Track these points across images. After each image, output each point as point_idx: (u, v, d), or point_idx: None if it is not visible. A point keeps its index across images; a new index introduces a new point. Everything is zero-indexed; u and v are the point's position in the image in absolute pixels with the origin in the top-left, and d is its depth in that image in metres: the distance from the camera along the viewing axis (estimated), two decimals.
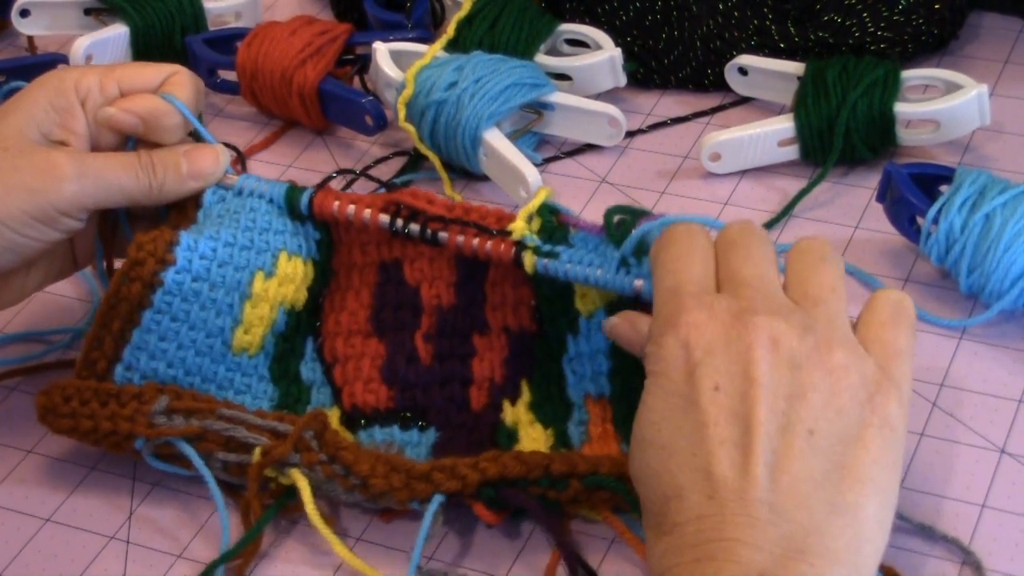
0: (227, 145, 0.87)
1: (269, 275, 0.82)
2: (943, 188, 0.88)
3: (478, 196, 1.00)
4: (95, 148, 0.83)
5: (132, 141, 0.85)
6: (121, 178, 0.81)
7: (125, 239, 0.86)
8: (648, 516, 0.66)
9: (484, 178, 1.01)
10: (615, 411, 0.79)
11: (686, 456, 0.64)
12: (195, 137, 0.85)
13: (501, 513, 0.75)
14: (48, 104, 0.82)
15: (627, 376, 0.79)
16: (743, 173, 1.00)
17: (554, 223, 0.80)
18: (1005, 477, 0.78)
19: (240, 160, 1.04)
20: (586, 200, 1.00)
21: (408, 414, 0.82)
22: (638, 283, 0.76)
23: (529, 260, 0.78)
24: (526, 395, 0.82)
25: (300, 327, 0.85)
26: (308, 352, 0.85)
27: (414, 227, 0.81)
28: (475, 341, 0.83)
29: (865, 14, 1.05)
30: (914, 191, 0.88)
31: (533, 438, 0.80)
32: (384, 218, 0.82)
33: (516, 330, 0.82)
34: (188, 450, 0.78)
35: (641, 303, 0.76)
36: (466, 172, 1.01)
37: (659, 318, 0.69)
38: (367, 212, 0.82)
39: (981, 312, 0.86)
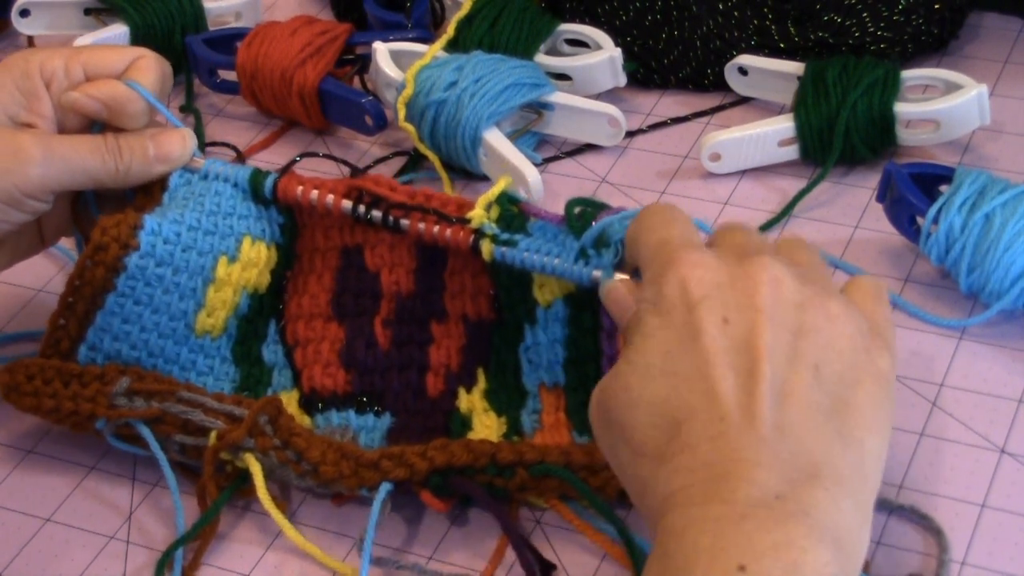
0: (226, 145, 0.87)
1: (232, 259, 0.83)
2: (943, 188, 0.88)
3: (478, 195, 1.00)
4: (61, 130, 0.84)
5: (98, 124, 0.85)
6: (87, 161, 0.81)
7: (93, 219, 0.86)
8: (646, 444, 0.64)
9: (484, 178, 1.01)
10: (568, 400, 0.80)
11: (695, 381, 0.64)
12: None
13: (448, 500, 0.76)
14: (13, 86, 0.82)
15: (582, 366, 0.79)
16: (743, 173, 1.00)
17: (513, 212, 0.80)
18: (1005, 477, 0.78)
19: (240, 159, 1.04)
20: None
21: (364, 399, 0.83)
22: (596, 273, 0.75)
23: (487, 248, 0.79)
24: (481, 383, 0.82)
25: (263, 310, 0.86)
26: (270, 334, 0.86)
27: (376, 213, 0.82)
28: (433, 328, 0.83)
29: (865, 14, 1.05)
30: (914, 191, 0.88)
31: (486, 425, 0.81)
32: (346, 204, 0.83)
33: (474, 318, 0.83)
34: (146, 432, 0.79)
35: (586, 335, 0.77)
36: (466, 172, 1.01)
37: (654, 264, 0.68)
38: (330, 198, 0.83)
39: (981, 312, 0.86)
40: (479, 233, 0.80)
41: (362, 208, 0.82)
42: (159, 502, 0.81)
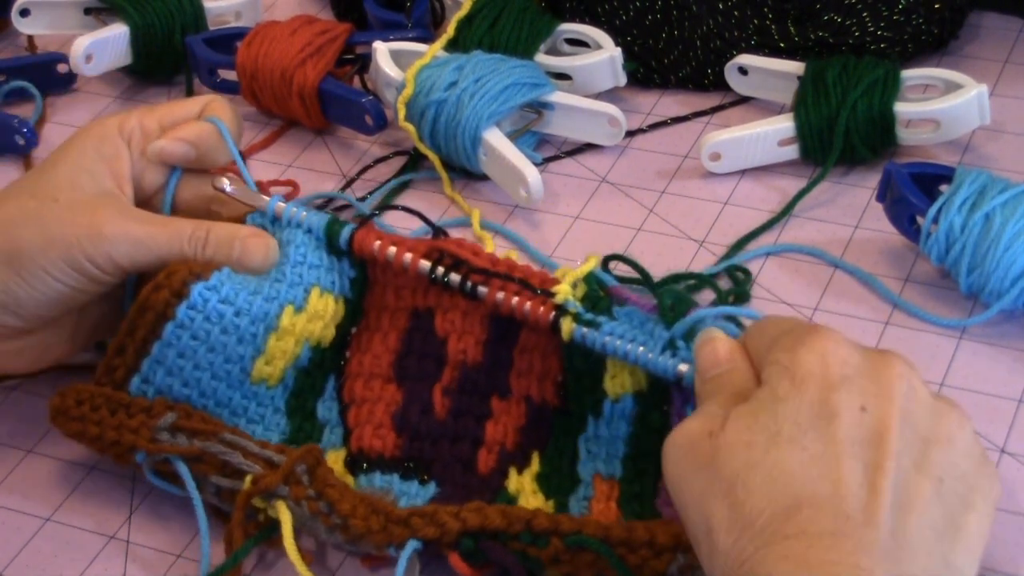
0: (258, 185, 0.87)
1: (299, 309, 0.81)
2: (943, 188, 0.88)
3: (478, 196, 1.00)
4: (139, 186, 0.84)
5: (173, 181, 0.85)
6: (163, 248, 0.81)
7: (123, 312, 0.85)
8: (756, 514, 0.62)
9: (484, 178, 1.01)
10: (623, 491, 0.77)
11: (825, 464, 0.62)
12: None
13: (480, 569, 0.73)
14: (95, 153, 0.83)
15: (641, 462, 0.76)
16: (743, 173, 1.00)
17: (599, 293, 0.77)
18: (1005, 477, 0.78)
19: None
20: (586, 200, 1.00)
21: (412, 464, 0.80)
22: (683, 367, 0.72)
23: (567, 326, 0.76)
24: (535, 466, 0.79)
25: (324, 364, 0.83)
26: (328, 390, 0.84)
27: (454, 276, 0.80)
28: (494, 403, 0.81)
29: (865, 14, 1.05)
30: (914, 191, 0.88)
31: (532, 506, 0.77)
32: (424, 264, 0.80)
33: (538, 401, 0.80)
34: (183, 469, 0.78)
35: (679, 390, 0.74)
36: (466, 172, 1.01)
37: (790, 336, 0.67)
38: (407, 256, 0.81)
39: (981, 312, 0.86)
40: (561, 310, 0.77)
41: (440, 270, 0.80)
42: (159, 502, 0.81)
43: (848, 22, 1.05)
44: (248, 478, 0.76)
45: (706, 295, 0.90)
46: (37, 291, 0.79)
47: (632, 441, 0.77)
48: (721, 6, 1.08)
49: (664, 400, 0.75)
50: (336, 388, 0.83)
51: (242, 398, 0.82)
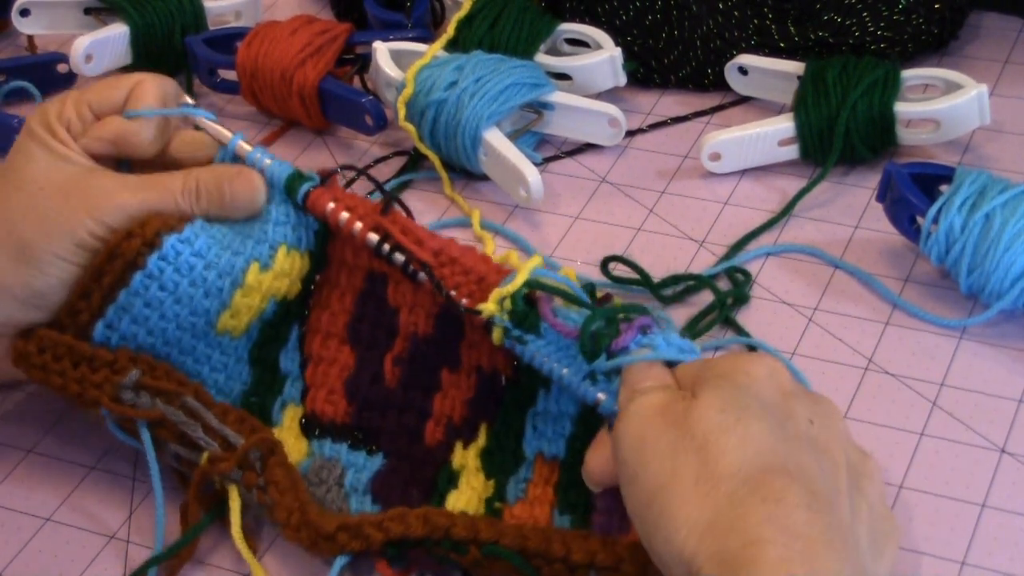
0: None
1: (265, 267, 0.82)
2: (943, 188, 0.88)
3: (478, 195, 1.00)
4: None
5: (125, 162, 0.85)
6: (159, 206, 0.81)
7: None
8: (730, 466, 0.65)
9: (484, 178, 1.01)
10: (562, 476, 0.78)
11: (790, 451, 0.66)
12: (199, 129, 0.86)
13: (406, 571, 0.74)
14: (53, 139, 0.83)
15: (584, 445, 0.76)
16: (743, 173, 1.00)
17: (524, 311, 0.77)
18: (1005, 477, 0.78)
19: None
20: (586, 200, 1.00)
21: (360, 434, 0.82)
22: (601, 396, 0.74)
23: (497, 335, 0.77)
24: (481, 440, 0.80)
25: (288, 315, 0.84)
26: (291, 340, 0.85)
27: (398, 257, 0.81)
28: (443, 376, 0.82)
29: (865, 14, 1.05)
30: (914, 191, 0.88)
31: (472, 486, 0.79)
32: (372, 237, 0.81)
33: (488, 371, 0.81)
34: (145, 436, 0.79)
35: (598, 415, 0.75)
36: (466, 172, 1.01)
37: (726, 358, 0.71)
38: (357, 226, 0.81)
39: (981, 312, 0.86)
40: (490, 321, 0.77)
41: (386, 247, 0.81)
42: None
43: (848, 22, 1.05)
44: (205, 455, 0.78)
45: (705, 296, 0.90)
46: (54, 278, 0.79)
47: (579, 422, 0.78)
48: (721, 6, 1.08)
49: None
50: (298, 338, 0.85)
51: (206, 347, 0.83)
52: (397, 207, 0.83)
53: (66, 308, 0.81)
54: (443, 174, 1.00)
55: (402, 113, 1.00)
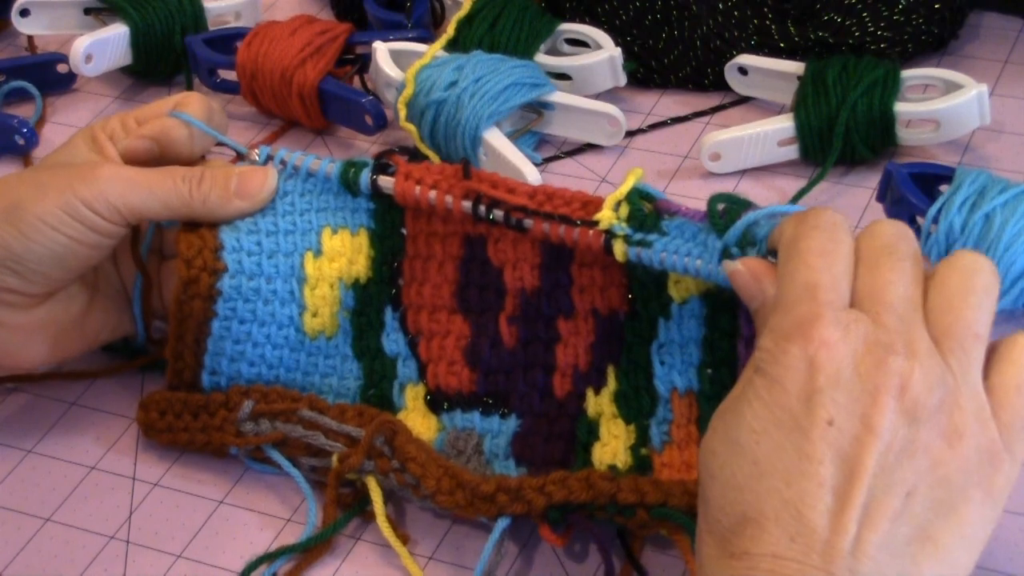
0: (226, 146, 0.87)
1: (318, 254, 0.82)
2: (943, 188, 0.88)
3: None
4: None
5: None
6: (156, 185, 0.80)
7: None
8: (712, 522, 0.62)
9: None
10: (702, 410, 0.76)
11: (779, 483, 0.60)
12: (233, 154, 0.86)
13: (567, 534, 0.74)
14: (84, 145, 0.84)
15: (718, 371, 0.75)
16: (743, 173, 1.00)
17: (644, 211, 0.75)
18: None
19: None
20: None
21: (490, 400, 0.81)
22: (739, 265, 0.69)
23: (620, 248, 0.75)
24: (611, 383, 0.79)
25: (372, 300, 0.83)
26: (388, 322, 0.83)
27: (498, 213, 0.79)
28: (559, 326, 0.80)
29: (865, 14, 1.05)
30: (914, 191, 0.88)
31: (614, 435, 0.78)
32: (466, 204, 0.79)
33: (605, 312, 0.79)
34: (277, 456, 0.80)
35: (723, 338, 0.73)
36: None
37: (788, 315, 0.63)
38: (448, 199, 0.79)
39: None
40: (610, 234, 0.75)
41: (483, 208, 0.79)
42: (159, 502, 0.81)
43: (848, 22, 1.05)
44: (334, 457, 0.78)
45: None
46: (39, 244, 0.79)
47: (706, 346, 0.76)
48: (721, 6, 1.08)
49: (733, 301, 0.73)
50: (398, 318, 0.83)
51: (308, 356, 0.83)
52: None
53: (169, 373, 0.83)
54: None
55: (403, 114, 1.00)
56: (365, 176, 0.82)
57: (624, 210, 0.75)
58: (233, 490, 0.82)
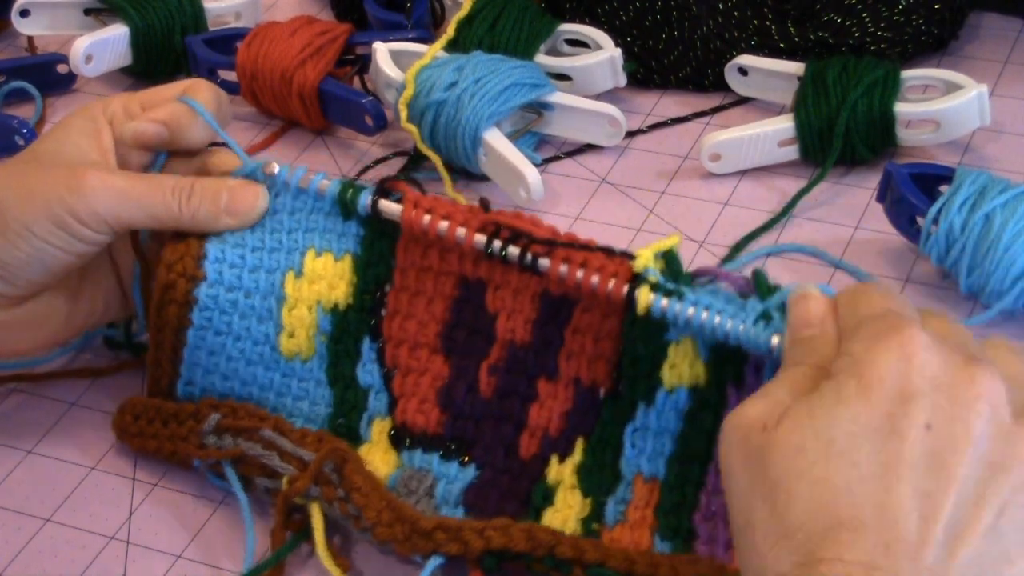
0: (226, 146, 0.86)
1: (299, 275, 0.81)
2: (943, 188, 0.88)
3: (478, 196, 1.00)
4: (122, 166, 0.83)
5: (159, 162, 0.84)
6: (144, 197, 0.80)
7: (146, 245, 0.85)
8: (792, 525, 0.58)
9: (484, 178, 1.01)
10: (662, 498, 0.75)
11: (879, 488, 0.57)
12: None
13: None
14: (79, 131, 0.82)
15: (686, 467, 0.74)
16: (743, 173, 1.00)
17: (677, 267, 0.73)
18: None
19: None
20: (586, 200, 1.00)
21: (454, 445, 0.79)
22: (775, 340, 0.68)
23: (644, 297, 0.72)
24: (577, 455, 0.77)
25: (351, 327, 0.82)
26: (365, 352, 0.82)
27: (512, 250, 0.76)
28: (540, 386, 0.78)
29: (865, 14, 1.05)
30: (914, 191, 0.88)
31: (569, 504, 0.77)
32: (480, 239, 0.77)
33: (587, 383, 0.77)
34: (230, 473, 0.79)
35: (767, 367, 0.69)
36: (466, 172, 1.01)
37: (877, 324, 0.61)
38: (460, 232, 0.78)
39: (981, 312, 0.86)
40: (638, 278, 0.72)
41: (497, 244, 0.76)
42: (160, 502, 0.81)
43: (848, 22, 1.05)
44: (284, 479, 0.77)
45: None
46: (23, 252, 0.78)
47: (681, 440, 0.75)
48: (721, 6, 1.08)
49: (721, 402, 0.73)
50: (375, 350, 0.82)
51: (282, 377, 0.82)
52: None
53: (149, 379, 0.83)
54: (444, 175, 1.00)
55: (404, 114, 1.00)
56: (364, 198, 0.80)
57: (660, 263, 0.73)
58: (232, 492, 0.81)
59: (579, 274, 0.74)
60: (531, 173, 0.95)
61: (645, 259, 0.73)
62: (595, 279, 0.74)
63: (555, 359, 0.78)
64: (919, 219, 0.88)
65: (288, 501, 0.77)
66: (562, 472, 0.77)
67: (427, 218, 0.78)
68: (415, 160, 1.03)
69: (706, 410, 0.74)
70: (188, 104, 0.83)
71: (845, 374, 0.60)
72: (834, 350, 0.63)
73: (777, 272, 0.92)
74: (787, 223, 0.96)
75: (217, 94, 0.85)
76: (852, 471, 0.58)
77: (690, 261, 0.93)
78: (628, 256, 0.74)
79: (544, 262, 0.75)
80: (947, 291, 0.89)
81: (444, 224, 0.78)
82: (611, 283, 0.73)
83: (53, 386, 0.89)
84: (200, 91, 0.84)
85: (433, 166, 1.00)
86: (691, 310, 0.71)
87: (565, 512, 0.76)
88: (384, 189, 0.80)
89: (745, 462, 0.61)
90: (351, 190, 0.81)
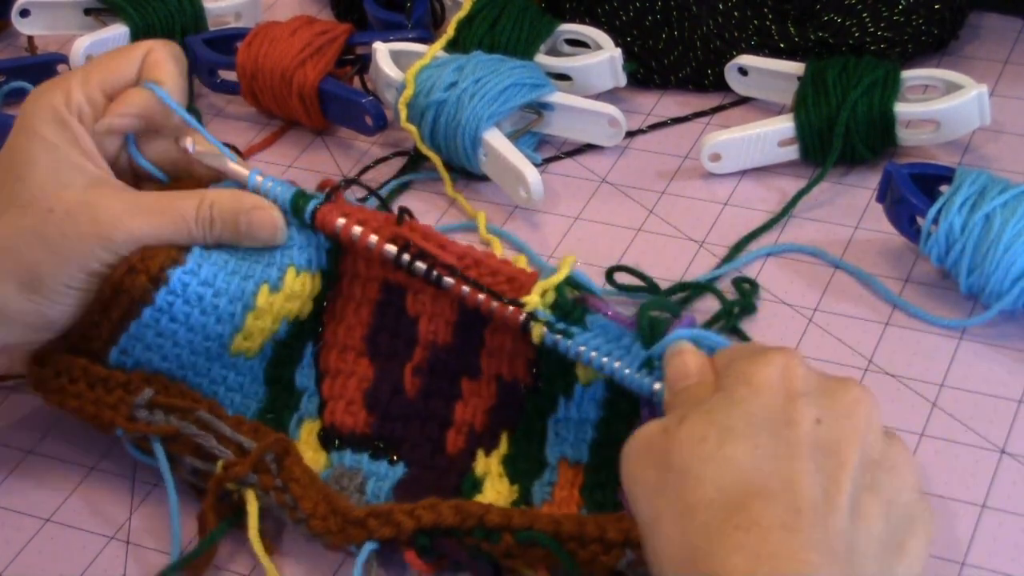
0: (228, 145, 0.87)
1: (275, 289, 0.81)
2: (943, 188, 0.88)
3: (478, 196, 1.00)
4: (105, 156, 0.83)
5: (132, 144, 0.85)
6: (171, 235, 0.80)
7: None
8: (707, 505, 0.62)
9: (484, 179, 1.01)
10: (586, 479, 0.78)
11: (778, 463, 0.63)
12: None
13: (436, 563, 0.74)
14: (61, 140, 0.81)
15: (607, 450, 0.76)
16: (743, 173, 1.00)
17: (570, 304, 0.77)
18: (1005, 477, 0.78)
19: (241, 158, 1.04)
20: (586, 200, 1.00)
21: (382, 444, 0.81)
22: (657, 386, 0.72)
23: (538, 332, 0.76)
24: (503, 447, 0.80)
25: (302, 334, 0.84)
26: (306, 357, 0.84)
27: (420, 265, 0.80)
28: (463, 384, 0.81)
29: (865, 14, 1.05)
30: (914, 191, 0.88)
31: (497, 491, 0.78)
32: (390, 249, 0.80)
33: (509, 380, 0.80)
34: (158, 450, 0.79)
35: (648, 408, 0.74)
36: (466, 172, 1.01)
37: (752, 351, 0.68)
38: (372, 239, 0.81)
39: (981, 312, 0.86)
40: (531, 316, 0.77)
41: (406, 257, 0.80)
42: (160, 503, 0.81)
43: (848, 22, 1.05)
44: (220, 463, 0.77)
45: (708, 301, 0.90)
46: (65, 305, 0.79)
47: (601, 427, 0.78)
48: (721, 6, 1.08)
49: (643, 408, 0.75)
50: (313, 354, 0.84)
51: (221, 368, 0.83)
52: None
53: (77, 335, 0.81)
54: (444, 175, 1.00)
55: (404, 114, 1.00)
56: (312, 206, 0.82)
57: (550, 297, 0.77)
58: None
59: (480, 298, 0.78)
60: (531, 173, 0.95)
61: (533, 304, 0.77)
62: (495, 307, 0.78)
63: (476, 358, 0.81)
64: (919, 219, 0.88)
65: (222, 485, 0.77)
66: (489, 464, 0.80)
67: (340, 222, 0.81)
68: (415, 160, 1.03)
69: (623, 398, 0.77)
70: (152, 90, 0.83)
71: (734, 383, 0.66)
72: (713, 392, 0.68)
73: (777, 272, 0.92)
74: (787, 223, 0.96)
75: (174, 55, 0.84)
76: (755, 450, 0.63)
77: (690, 261, 0.93)
78: (517, 304, 0.77)
79: (449, 281, 0.79)
80: (947, 291, 0.89)
81: (357, 230, 0.81)
82: (509, 310, 0.77)
83: None
84: (161, 67, 0.83)
85: (433, 166, 1.00)
86: (581, 348, 0.75)
87: (493, 498, 0.78)
88: (328, 197, 0.82)
89: (650, 463, 0.65)
90: (301, 200, 0.82)
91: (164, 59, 0.84)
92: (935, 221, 0.86)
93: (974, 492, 0.77)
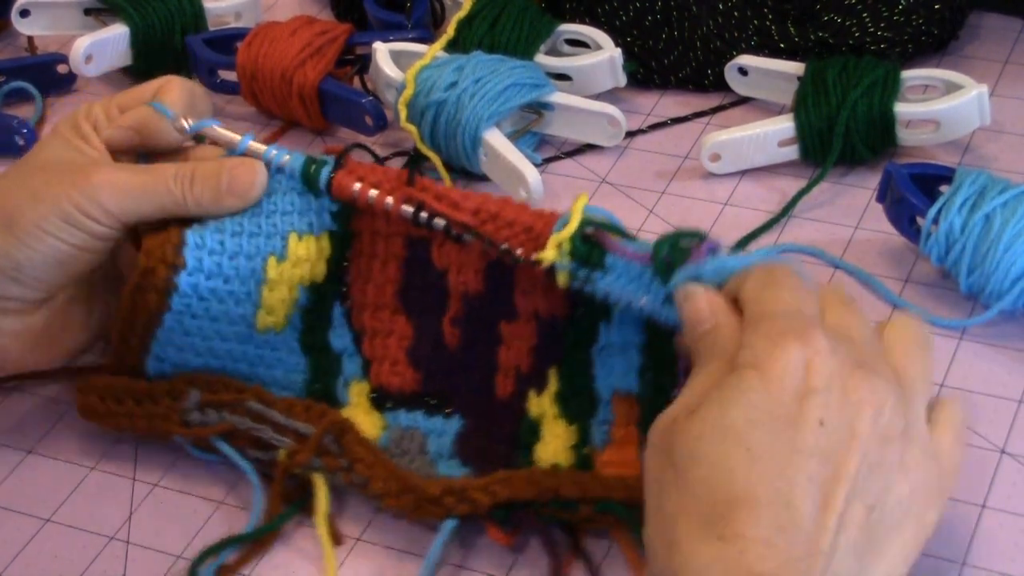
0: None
1: (281, 259, 0.81)
2: (943, 188, 0.88)
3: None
4: None
5: (143, 157, 0.85)
6: (149, 189, 0.80)
7: None
8: (694, 502, 0.63)
9: (484, 178, 1.01)
10: (642, 412, 0.76)
11: (771, 471, 0.62)
12: (199, 140, 0.85)
13: (515, 532, 0.75)
14: (68, 138, 0.84)
15: (659, 374, 0.76)
16: (743, 173, 1.00)
17: (587, 250, 0.75)
18: (1005, 477, 0.78)
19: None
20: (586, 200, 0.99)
21: (434, 400, 0.82)
22: None
23: (563, 279, 0.75)
24: (553, 385, 0.79)
25: (324, 297, 0.83)
26: (336, 318, 0.84)
27: (439, 222, 0.79)
28: (502, 329, 0.81)
29: (865, 14, 1.05)
30: (914, 191, 0.88)
31: (556, 434, 0.78)
32: (407, 209, 0.80)
33: (547, 316, 0.79)
34: (227, 449, 0.80)
35: (664, 341, 0.73)
36: (466, 172, 1.01)
37: (779, 321, 0.65)
38: (389, 201, 0.80)
39: (981, 312, 0.86)
40: (552, 268, 0.75)
41: (424, 216, 0.79)
42: (159, 502, 0.81)
43: (848, 22, 1.05)
44: (282, 452, 0.79)
45: None
46: (35, 251, 0.79)
47: (647, 350, 0.77)
48: (721, 7, 1.08)
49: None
50: (343, 314, 0.84)
51: (255, 348, 0.83)
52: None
53: (112, 357, 0.83)
54: (445, 175, 1.00)
55: (404, 114, 1.00)
56: (325, 173, 0.81)
57: (567, 246, 0.75)
58: (233, 491, 0.81)
59: (503, 247, 0.77)
60: (531, 173, 0.95)
61: (550, 258, 0.75)
62: (519, 252, 0.76)
63: (511, 300, 0.80)
64: (919, 219, 0.88)
65: (286, 474, 0.78)
66: (543, 404, 0.79)
67: (357, 186, 0.80)
68: (415, 160, 1.03)
69: None
70: (154, 107, 0.84)
71: (747, 367, 0.64)
72: (735, 339, 0.67)
73: None
74: (787, 223, 0.96)
75: (190, 90, 0.86)
76: (745, 454, 0.62)
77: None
78: (533, 264, 0.76)
79: (468, 237, 0.78)
80: (947, 291, 0.89)
81: (373, 193, 0.80)
82: (533, 257, 0.76)
83: (53, 386, 0.89)
84: (171, 91, 0.85)
85: (433, 166, 1.00)
86: (607, 292, 0.74)
87: (554, 444, 0.78)
88: (339, 162, 0.82)
89: (658, 455, 0.65)
90: (313, 167, 0.82)
91: (175, 86, 0.86)
92: (935, 221, 0.86)
93: (974, 492, 0.77)
